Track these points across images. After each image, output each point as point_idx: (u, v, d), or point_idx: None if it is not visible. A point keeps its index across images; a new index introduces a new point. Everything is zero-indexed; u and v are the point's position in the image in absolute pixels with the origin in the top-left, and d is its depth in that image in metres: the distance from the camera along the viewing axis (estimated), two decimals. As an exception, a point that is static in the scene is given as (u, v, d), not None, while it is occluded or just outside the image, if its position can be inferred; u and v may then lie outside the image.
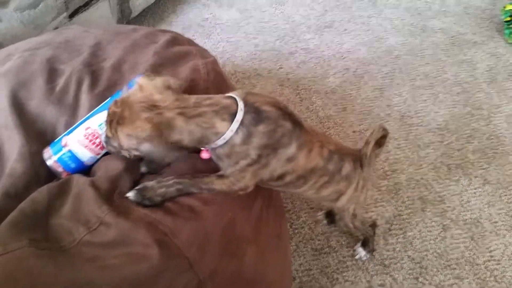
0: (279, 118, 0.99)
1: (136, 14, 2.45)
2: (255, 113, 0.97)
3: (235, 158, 0.98)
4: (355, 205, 1.31)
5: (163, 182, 0.99)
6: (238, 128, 0.95)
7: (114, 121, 0.92)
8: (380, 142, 1.21)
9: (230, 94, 1.01)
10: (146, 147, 0.91)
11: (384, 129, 1.18)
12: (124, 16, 2.36)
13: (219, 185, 1.00)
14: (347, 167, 1.16)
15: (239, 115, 0.95)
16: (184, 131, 0.93)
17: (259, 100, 1.00)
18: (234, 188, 1.01)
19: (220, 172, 1.02)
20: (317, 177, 1.12)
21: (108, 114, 0.94)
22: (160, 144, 0.91)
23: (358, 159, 1.19)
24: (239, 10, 2.76)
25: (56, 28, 1.94)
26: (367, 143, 1.17)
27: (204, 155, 1.06)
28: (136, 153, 0.94)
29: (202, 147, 1.02)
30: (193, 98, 0.96)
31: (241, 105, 0.96)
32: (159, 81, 0.96)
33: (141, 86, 0.95)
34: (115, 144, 0.94)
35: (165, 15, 2.70)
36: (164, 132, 0.91)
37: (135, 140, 0.90)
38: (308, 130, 1.07)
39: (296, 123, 1.03)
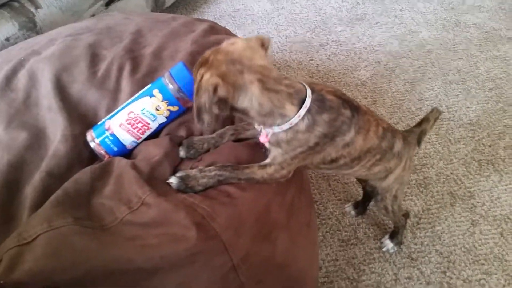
0: (340, 107, 1.00)
1: (169, 4, 2.49)
2: (320, 101, 0.97)
3: (294, 144, 0.98)
4: (399, 185, 1.32)
5: (205, 172, 1.00)
6: (304, 114, 0.95)
7: (199, 64, 0.92)
8: (432, 124, 1.29)
9: (298, 81, 1.00)
10: (205, 98, 0.88)
11: (440, 112, 1.25)
12: (158, 6, 2.39)
13: (260, 174, 1.01)
14: (398, 145, 1.18)
15: (308, 102, 0.95)
16: (255, 101, 0.92)
17: (323, 88, 1.00)
18: (276, 176, 1.02)
19: (264, 162, 1.03)
20: (371, 156, 1.13)
21: (200, 58, 0.93)
22: (214, 102, 0.88)
23: (407, 137, 1.22)
24: (270, 1, 2.77)
25: (93, 15, 1.98)
26: (426, 120, 1.24)
27: (263, 138, 1.04)
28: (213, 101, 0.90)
29: (263, 128, 1.01)
30: (275, 72, 0.95)
31: (309, 92, 0.96)
32: (253, 38, 0.96)
33: (234, 42, 0.94)
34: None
35: (197, 5, 2.73)
36: (234, 93, 0.90)
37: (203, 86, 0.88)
38: (365, 110, 1.08)
39: (354, 108, 1.03)
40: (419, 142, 1.30)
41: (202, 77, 0.89)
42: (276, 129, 0.97)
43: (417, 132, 1.29)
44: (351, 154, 1.07)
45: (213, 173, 1.00)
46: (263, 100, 0.92)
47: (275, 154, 1.02)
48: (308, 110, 0.95)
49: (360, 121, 1.04)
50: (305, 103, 0.95)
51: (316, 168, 1.13)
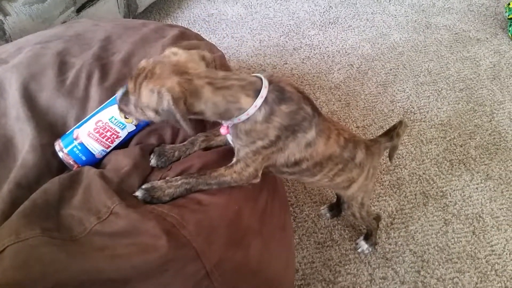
0: (301, 100, 1.01)
1: (142, 9, 2.47)
2: (279, 92, 0.98)
3: (253, 136, 0.99)
4: (363, 193, 1.34)
5: (172, 182, 1.01)
6: (261, 105, 0.96)
7: (141, 75, 0.92)
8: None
9: (255, 74, 1.02)
10: (165, 107, 0.89)
11: (407, 124, 1.28)
12: (131, 11, 2.37)
13: (229, 175, 1.02)
14: (360, 155, 1.19)
15: (264, 92, 0.96)
16: (210, 102, 0.93)
17: (282, 80, 1.01)
18: (244, 175, 1.02)
19: (229, 164, 1.03)
20: (332, 164, 1.14)
21: (137, 69, 0.94)
22: (180, 110, 0.89)
23: (370, 148, 1.24)
24: (244, 5, 2.78)
25: (64, 22, 1.96)
26: (398, 135, 1.27)
27: (223, 130, 1.05)
28: (149, 114, 0.93)
29: (223, 121, 1.02)
30: (222, 72, 0.97)
31: (265, 82, 0.97)
32: (194, 52, 0.97)
33: (176, 53, 0.96)
34: (132, 100, 0.94)
35: (170, 11, 2.72)
36: (188, 99, 0.91)
37: (156, 97, 0.89)
38: (325, 117, 1.09)
39: (315, 109, 1.05)
40: (391, 157, 1.33)
41: (157, 91, 0.89)
42: (235, 120, 0.98)
43: (382, 142, 1.30)
44: (313, 157, 1.08)
45: (179, 182, 1.00)
46: (216, 99, 0.93)
47: (237, 147, 1.03)
48: (265, 101, 0.96)
49: (320, 124, 1.05)
50: (260, 93, 0.96)
51: (280, 172, 1.14)
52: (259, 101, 0.96)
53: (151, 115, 0.94)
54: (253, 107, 0.95)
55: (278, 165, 1.08)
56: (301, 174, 1.15)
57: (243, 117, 0.97)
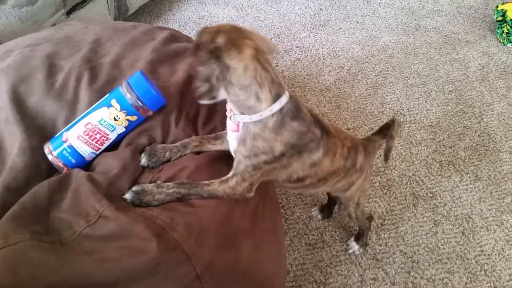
0: (312, 124, 1.02)
1: (132, 12, 2.47)
2: (295, 107, 0.99)
3: (259, 146, 0.98)
4: (360, 193, 1.36)
5: (163, 188, 1.00)
6: (276, 112, 0.96)
7: (216, 30, 0.93)
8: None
9: None
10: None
11: (400, 125, 1.31)
12: (121, 13, 2.37)
13: (222, 189, 1.01)
14: (360, 159, 1.21)
15: (283, 100, 0.96)
16: (242, 64, 0.92)
17: (300, 100, 1.03)
18: (238, 190, 1.02)
19: (225, 176, 1.03)
20: (336, 176, 1.16)
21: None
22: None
23: (367, 147, 1.26)
24: (235, 8, 2.78)
25: (53, 25, 1.95)
26: (392, 137, 1.27)
27: (233, 127, 1.04)
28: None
29: (235, 104, 1.00)
30: (271, 60, 0.98)
31: (287, 94, 0.98)
32: (270, 42, 0.99)
33: (254, 33, 0.97)
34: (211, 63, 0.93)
35: (161, 13, 2.71)
36: (230, 45, 0.91)
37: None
38: (333, 133, 1.10)
39: (324, 129, 1.06)
40: (386, 158, 1.33)
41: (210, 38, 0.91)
42: (246, 118, 0.97)
43: (377, 141, 1.32)
44: (317, 175, 1.09)
45: (171, 190, 1.00)
46: (250, 65, 0.92)
47: (239, 158, 1.02)
48: (281, 110, 0.96)
49: (328, 143, 1.06)
50: (280, 99, 0.96)
51: (281, 187, 1.14)
52: (276, 106, 0.96)
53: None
54: (268, 110, 0.95)
55: (279, 181, 1.09)
56: (304, 188, 1.16)
57: (256, 117, 0.96)
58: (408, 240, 1.71)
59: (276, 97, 0.96)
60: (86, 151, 1.08)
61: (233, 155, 1.05)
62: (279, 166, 1.03)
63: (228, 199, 1.04)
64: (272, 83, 0.95)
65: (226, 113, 1.03)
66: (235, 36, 0.92)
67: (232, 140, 1.06)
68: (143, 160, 1.10)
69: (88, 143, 1.08)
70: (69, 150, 1.07)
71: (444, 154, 2.01)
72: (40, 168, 1.10)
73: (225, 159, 1.11)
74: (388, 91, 2.29)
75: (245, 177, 1.01)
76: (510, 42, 2.60)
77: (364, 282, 1.59)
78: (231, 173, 1.03)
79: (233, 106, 1.00)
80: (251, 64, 0.92)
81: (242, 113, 0.98)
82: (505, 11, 2.55)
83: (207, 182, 1.02)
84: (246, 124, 0.99)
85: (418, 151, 2.01)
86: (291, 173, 1.06)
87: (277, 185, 1.14)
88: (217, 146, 1.14)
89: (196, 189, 1.01)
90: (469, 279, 1.61)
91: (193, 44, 0.96)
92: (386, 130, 1.30)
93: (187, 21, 2.67)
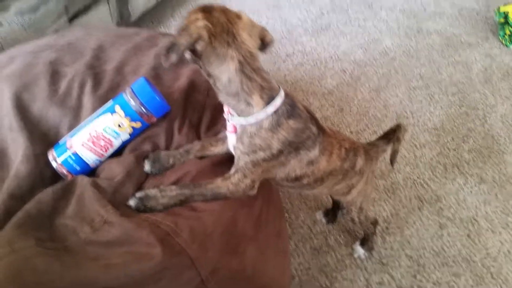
0: (308, 120, 1.01)
1: (135, 18, 2.47)
2: (290, 106, 0.97)
3: (256, 143, 0.97)
4: (362, 198, 1.35)
5: (166, 191, 0.99)
6: (271, 113, 0.95)
7: (202, 8, 0.91)
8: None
9: None
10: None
11: (405, 128, 1.30)
12: (124, 20, 2.37)
13: (224, 186, 1.00)
14: (360, 162, 1.20)
15: (278, 101, 0.95)
16: (226, 76, 0.91)
17: (296, 97, 1.01)
18: (241, 186, 1.01)
19: (227, 174, 1.02)
20: (333, 177, 1.15)
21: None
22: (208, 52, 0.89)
23: (369, 152, 1.25)
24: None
25: (56, 31, 1.95)
26: (398, 140, 1.27)
27: (230, 129, 1.03)
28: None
29: (227, 105, 0.99)
30: (258, 63, 0.94)
31: (282, 93, 0.97)
32: (259, 26, 0.96)
33: (240, 16, 0.94)
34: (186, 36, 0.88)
35: (164, 19, 2.72)
36: (211, 57, 0.89)
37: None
38: (329, 133, 1.09)
39: (320, 128, 1.05)
40: (392, 162, 1.33)
41: (194, 20, 0.88)
42: (242, 120, 0.97)
43: (380, 146, 1.30)
44: (314, 174, 1.09)
45: (174, 193, 0.99)
46: (234, 78, 0.91)
47: (238, 154, 1.01)
48: (276, 111, 0.95)
49: (324, 142, 1.06)
50: (274, 101, 0.94)
51: (279, 185, 1.14)
52: (271, 108, 0.94)
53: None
54: (263, 112, 0.94)
55: (278, 179, 1.08)
56: (302, 188, 1.16)
57: (252, 119, 0.95)
58: (413, 244, 1.70)
59: (270, 100, 0.95)
60: (90, 158, 1.08)
61: (233, 152, 1.05)
62: (277, 163, 1.02)
63: (232, 198, 1.03)
64: (262, 89, 0.94)
65: (224, 115, 1.03)
66: (220, 40, 0.89)
67: (231, 137, 1.06)
68: (147, 167, 1.10)
69: (92, 150, 1.08)
70: (73, 158, 1.07)
71: (448, 156, 2.00)
72: (44, 175, 1.10)
73: (227, 163, 1.11)
74: (391, 94, 2.29)
75: (246, 173, 1.00)
76: (513, 44, 2.60)
77: (370, 286, 1.58)
78: (232, 170, 1.02)
79: (227, 107, 1.00)
80: (236, 77, 0.91)
81: (238, 115, 0.98)
82: (507, 13, 2.55)
83: (210, 181, 1.01)
84: (244, 126, 0.99)
85: (422, 154, 2.01)
86: (289, 171, 1.05)
87: (277, 184, 1.14)
88: (219, 148, 1.14)
89: (199, 189, 1.00)
90: (475, 282, 1.60)
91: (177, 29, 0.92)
92: (391, 135, 1.29)
93: (189, 26, 2.67)
